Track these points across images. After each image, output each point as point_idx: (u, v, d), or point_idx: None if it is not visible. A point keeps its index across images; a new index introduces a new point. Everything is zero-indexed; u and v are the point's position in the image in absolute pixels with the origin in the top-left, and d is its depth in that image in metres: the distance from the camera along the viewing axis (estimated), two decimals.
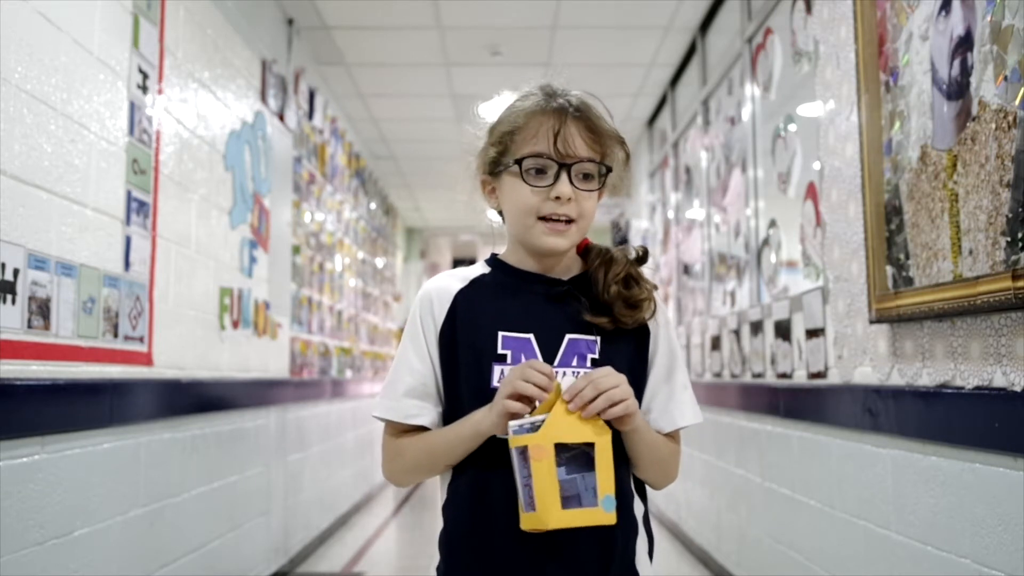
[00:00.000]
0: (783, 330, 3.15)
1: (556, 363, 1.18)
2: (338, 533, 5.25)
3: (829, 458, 2.61)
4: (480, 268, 1.28)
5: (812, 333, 2.82)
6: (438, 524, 1.24)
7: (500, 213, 1.28)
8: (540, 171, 1.18)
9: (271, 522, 3.91)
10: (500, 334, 1.18)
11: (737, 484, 3.71)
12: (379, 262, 7.62)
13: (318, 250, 5.10)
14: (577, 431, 1.06)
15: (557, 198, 1.16)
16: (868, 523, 2.33)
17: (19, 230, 1.99)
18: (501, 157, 1.21)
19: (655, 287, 1.25)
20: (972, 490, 1.82)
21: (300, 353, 4.57)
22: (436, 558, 1.24)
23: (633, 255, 1.25)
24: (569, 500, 1.04)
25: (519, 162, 1.19)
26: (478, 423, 1.14)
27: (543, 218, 1.18)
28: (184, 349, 2.94)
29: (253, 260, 3.72)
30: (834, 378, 2.63)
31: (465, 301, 1.23)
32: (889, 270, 2.17)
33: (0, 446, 1.87)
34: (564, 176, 1.17)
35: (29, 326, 2.01)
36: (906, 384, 2.13)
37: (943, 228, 1.90)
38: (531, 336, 1.18)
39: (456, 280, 1.25)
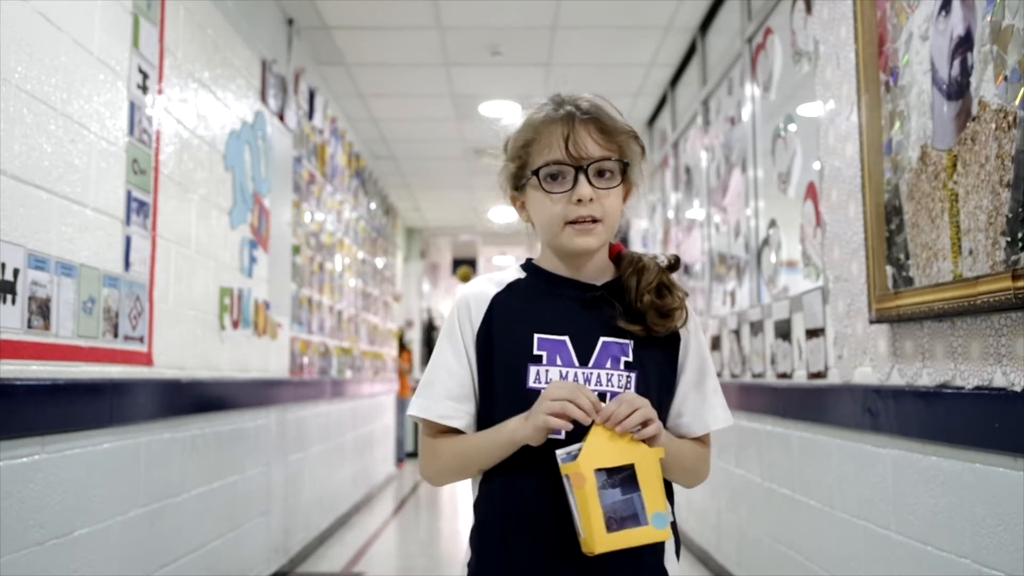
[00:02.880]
0: (783, 330, 3.15)
1: (591, 365, 1.21)
2: (338, 533, 5.25)
3: (829, 458, 2.61)
4: (515, 273, 1.32)
5: (812, 333, 2.82)
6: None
7: (533, 224, 1.32)
8: (558, 177, 1.21)
9: (271, 522, 3.91)
10: (536, 336, 1.22)
11: (737, 484, 3.71)
12: (379, 262, 7.61)
13: (318, 250, 5.10)
14: (616, 454, 1.09)
15: (579, 201, 1.20)
16: (868, 523, 2.33)
17: (19, 230, 1.99)
18: (521, 171, 1.26)
19: (687, 294, 1.28)
20: (972, 490, 1.82)
21: (300, 353, 4.57)
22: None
23: (664, 262, 1.29)
24: (621, 521, 1.07)
25: (536, 173, 1.23)
26: (513, 431, 1.17)
27: (571, 223, 1.21)
28: (184, 349, 2.94)
29: (253, 260, 3.72)
30: (834, 378, 2.63)
31: (501, 304, 1.26)
32: (889, 270, 2.17)
33: (0, 446, 1.87)
34: (582, 178, 1.20)
35: (29, 326, 2.01)
36: (906, 384, 2.13)
37: (943, 228, 1.90)
38: (566, 338, 1.22)
39: (492, 285, 1.29)
